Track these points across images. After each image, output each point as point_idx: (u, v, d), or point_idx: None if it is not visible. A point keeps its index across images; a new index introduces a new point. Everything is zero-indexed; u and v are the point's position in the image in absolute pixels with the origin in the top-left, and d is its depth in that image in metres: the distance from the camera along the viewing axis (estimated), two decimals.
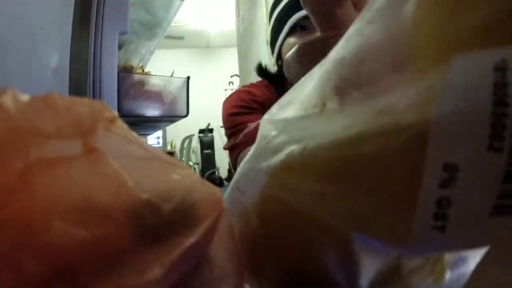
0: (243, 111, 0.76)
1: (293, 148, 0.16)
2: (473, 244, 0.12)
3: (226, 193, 0.22)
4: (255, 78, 0.88)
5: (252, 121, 0.72)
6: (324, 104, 0.16)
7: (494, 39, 0.11)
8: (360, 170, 0.14)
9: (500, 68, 0.11)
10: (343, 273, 0.16)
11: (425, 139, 0.11)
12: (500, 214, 0.11)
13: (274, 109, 0.20)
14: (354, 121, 0.14)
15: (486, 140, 0.10)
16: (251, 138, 0.69)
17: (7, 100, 0.10)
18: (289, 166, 0.17)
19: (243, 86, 0.89)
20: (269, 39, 0.82)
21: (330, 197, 0.15)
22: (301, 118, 0.17)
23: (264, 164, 0.18)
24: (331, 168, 0.15)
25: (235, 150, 0.74)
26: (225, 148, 0.81)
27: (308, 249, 0.17)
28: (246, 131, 0.72)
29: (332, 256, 0.16)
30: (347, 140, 0.14)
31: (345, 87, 0.15)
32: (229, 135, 0.79)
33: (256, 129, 0.24)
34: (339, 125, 0.15)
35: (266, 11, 2.33)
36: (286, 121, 0.18)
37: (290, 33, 0.74)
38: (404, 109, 0.12)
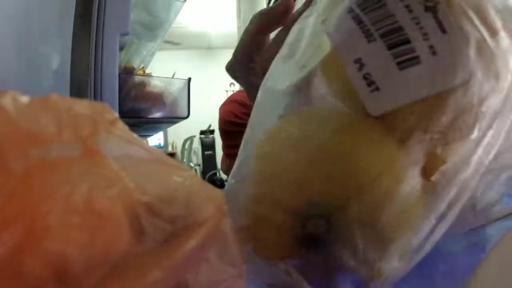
0: (237, 129, 0.77)
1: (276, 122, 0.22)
2: (406, 94, 0.18)
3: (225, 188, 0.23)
4: None
5: None
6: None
7: None
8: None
9: None
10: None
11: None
12: (406, 66, 0.18)
13: None
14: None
15: (364, 38, 0.18)
16: None
17: (8, 101, 0.10)
18: (271, 137, 0.21)
19: (238, 92, 0.89)
20: None
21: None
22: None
23: (251, 146, 0.23)
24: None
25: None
26: (223, 171, 0.83)
27: (299, 200, 0.19)
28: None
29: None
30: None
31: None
32: (226, 154, 0.80)
33: None
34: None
35: None
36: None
37: None
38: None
